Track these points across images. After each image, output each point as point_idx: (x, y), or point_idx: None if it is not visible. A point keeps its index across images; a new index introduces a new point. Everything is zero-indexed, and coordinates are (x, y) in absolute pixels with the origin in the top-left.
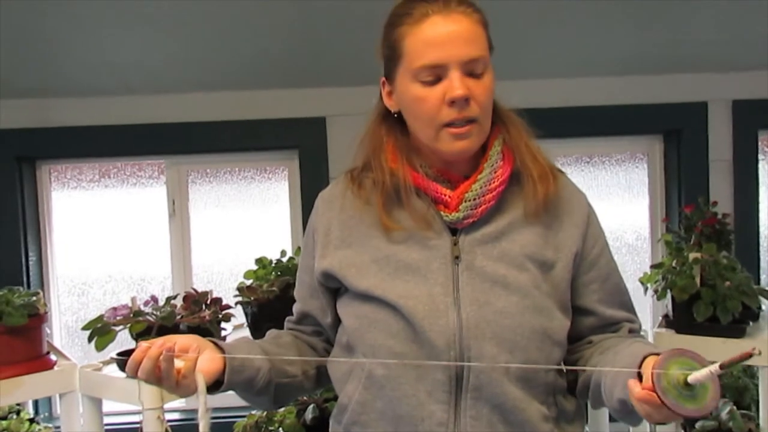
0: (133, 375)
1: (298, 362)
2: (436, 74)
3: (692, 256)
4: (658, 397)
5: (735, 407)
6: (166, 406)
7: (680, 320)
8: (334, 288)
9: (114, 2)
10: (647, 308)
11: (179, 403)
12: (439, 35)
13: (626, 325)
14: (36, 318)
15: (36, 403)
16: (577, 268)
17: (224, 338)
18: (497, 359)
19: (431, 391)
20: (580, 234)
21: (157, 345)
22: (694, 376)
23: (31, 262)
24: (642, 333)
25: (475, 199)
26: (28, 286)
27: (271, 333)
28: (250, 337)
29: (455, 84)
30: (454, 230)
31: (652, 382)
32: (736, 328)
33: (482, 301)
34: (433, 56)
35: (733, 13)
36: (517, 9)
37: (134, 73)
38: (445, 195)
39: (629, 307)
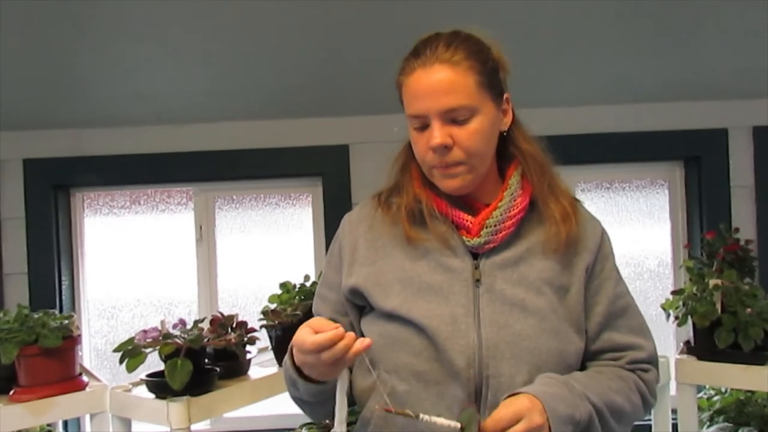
0: (318, 350)
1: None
2: (422, 122)
3: (712, 282)
4: None
5: None
6: (193, 427)
7: (701, 347)
8: (359, 306)
9: (145, 37)
10: (670, 335)
11: (205, 424)
12: (419, 88)
13: (628, 354)
14: (70, 340)
15: (66, 423)
16: (585, 291)
17: (249, 361)
18: (515, 378)
19: (451, 406)
20: (592, 257)
21: (351, 336)
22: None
23: (63, 286)
24: (661, 359)
25: (495, 225)
26: (61, 310)
27: None
28: (274, 360)
29: (434, 134)
30: (475, 254)
31: None
32: (758, 355)
33: (501, 323)
34: (415, 108)
35: (752, 40)
36: (538, 37)
37: (164, 104)
38: (467, 221)
39: (639, 332)
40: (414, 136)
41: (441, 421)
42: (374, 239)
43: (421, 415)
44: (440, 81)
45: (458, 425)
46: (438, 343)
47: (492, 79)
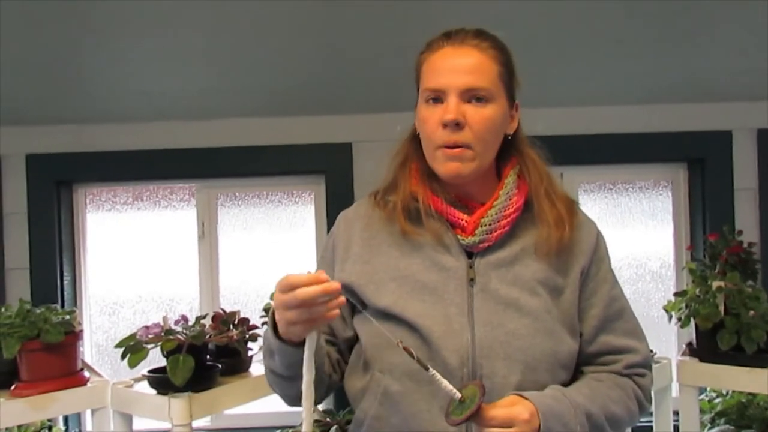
0: (288, 290)
1: (328, 362)
2: (438, 98)
3: (715, 284)
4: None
5: None
6: (194, 423)
7: (704, 349)
8: (352, 304)
9: (148, 34)
10: (672, 336)
11: (205, 421)
12: (445, 64)
13: (624, 358)
14: (72, 335)
15: (66, 419)
16: (580, 293)
17: (251, 358)
18: (508, 378)
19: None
20: (587, 260)
21: (332, 284)
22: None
23: (65, 282)
24: (663, 360)
25: (490, 224)
26: (62, 305)
27: None
28: None
29: (449, 108)
30: (470, 253)
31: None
32: (760, 358)
33: (495, 323)
34: (436, 81)
35: (757, 42)
36: (543, 38)
37: (167, 100)
38: (462, 219)
39: (634, 335)
40: (425, 113)
41: (446, 384)
42: (370, 237)
43: (431, 369)
44: (467, 60)
45: (458, 395)
46: (431, 343)
47: (509, 79)
